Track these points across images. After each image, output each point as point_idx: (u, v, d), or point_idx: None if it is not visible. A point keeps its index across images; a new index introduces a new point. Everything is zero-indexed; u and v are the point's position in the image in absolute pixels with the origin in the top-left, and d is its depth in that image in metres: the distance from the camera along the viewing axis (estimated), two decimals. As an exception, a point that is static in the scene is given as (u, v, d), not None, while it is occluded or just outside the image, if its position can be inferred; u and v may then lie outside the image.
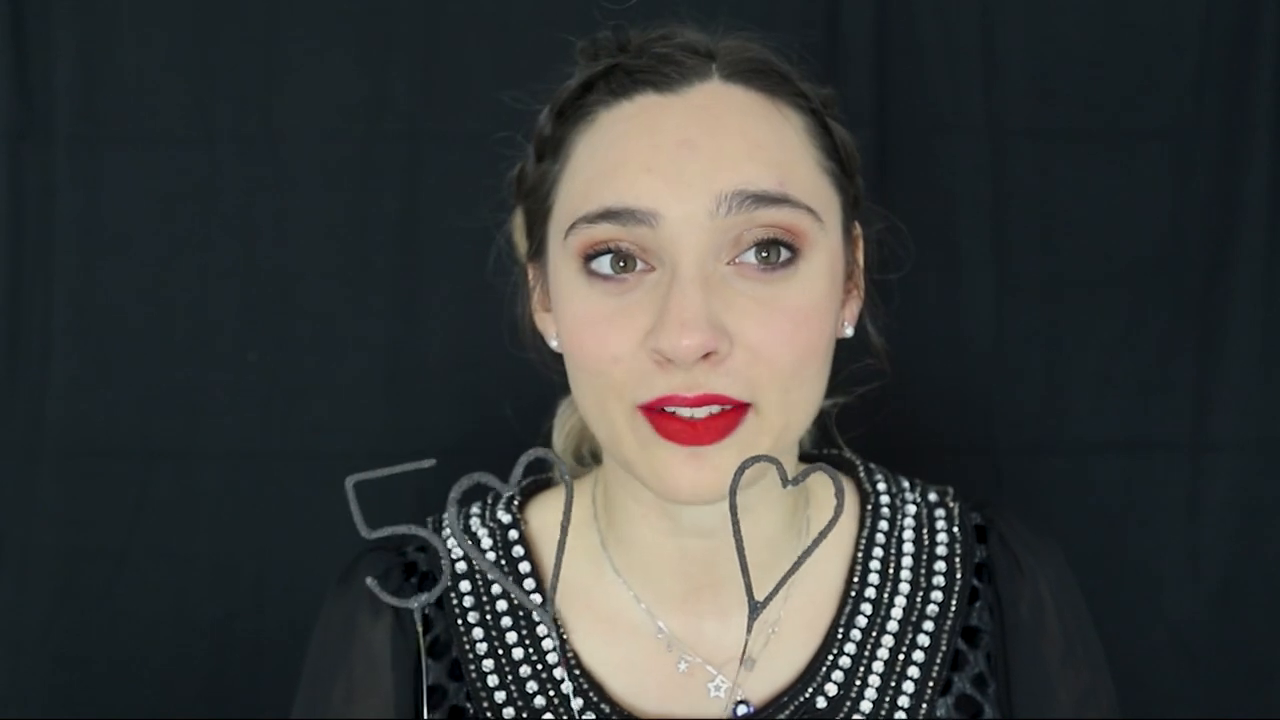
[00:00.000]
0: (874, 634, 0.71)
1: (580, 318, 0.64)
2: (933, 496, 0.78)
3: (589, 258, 0.63)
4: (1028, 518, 0.79)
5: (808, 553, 0.54)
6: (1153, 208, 1.09)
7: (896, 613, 0.72)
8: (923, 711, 0.69)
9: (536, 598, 0.73)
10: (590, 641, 0.72)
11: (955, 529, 0.76)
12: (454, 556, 0.76)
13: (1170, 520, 1.09)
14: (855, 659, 0.70)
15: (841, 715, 0.69)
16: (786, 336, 0.62)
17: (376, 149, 1.08)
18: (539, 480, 0.81)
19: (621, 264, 0.63)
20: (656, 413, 0.62)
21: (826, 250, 0.66)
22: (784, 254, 0.63)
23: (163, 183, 1.09)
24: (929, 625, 0.72)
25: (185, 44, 1.08)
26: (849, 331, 0.72)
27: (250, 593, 1.08)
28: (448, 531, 0.78)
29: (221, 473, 1.08)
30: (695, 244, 0.61)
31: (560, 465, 0.56)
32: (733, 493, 0.53)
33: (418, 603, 0.56)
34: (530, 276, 0.74)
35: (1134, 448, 1.10)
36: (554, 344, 0.71)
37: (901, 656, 0.71)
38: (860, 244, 0.75)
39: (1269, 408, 1.08)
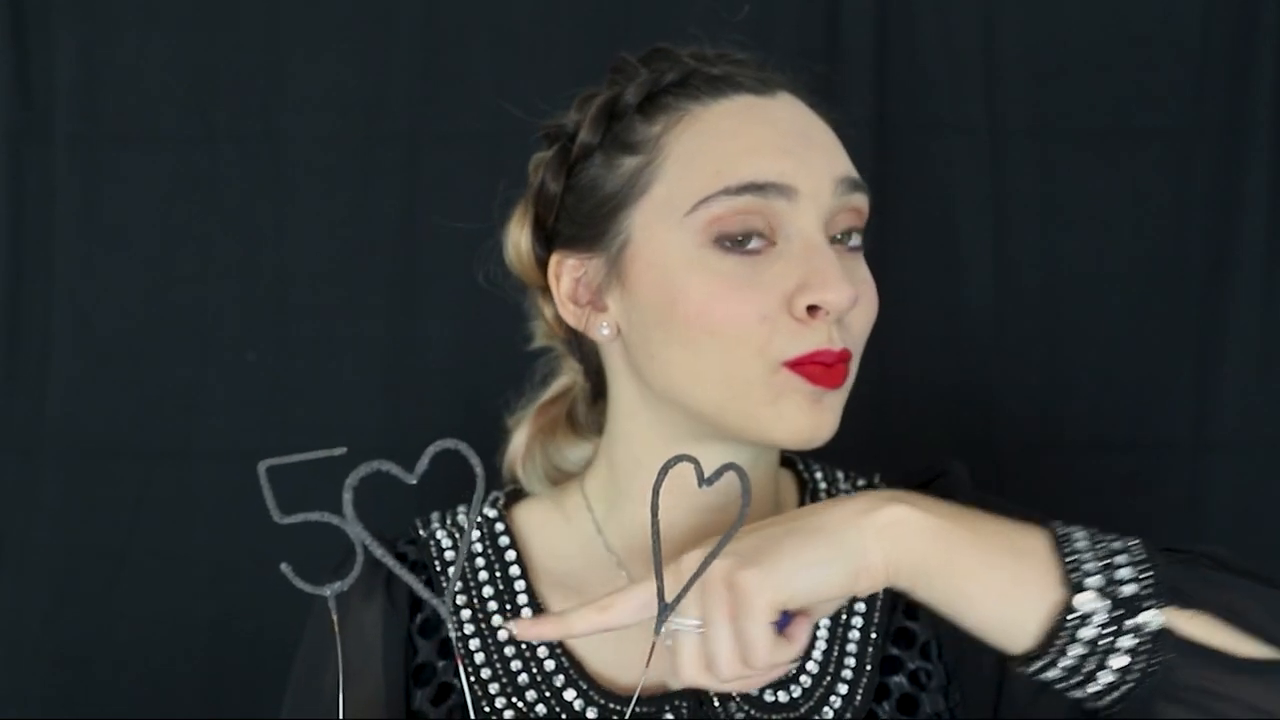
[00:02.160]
0: None
1: (713, 288, 0.68)
2: (862, 482, 0.84)
3: (721, 233, 0.69)
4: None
5: (713, 554, 0.59)
6: (1153, 208, 1.09)
7: None
8: (869, 653, 0.75)
9: (521, 584, 0.78)
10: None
11: None
12: (443, 549, 0.81)
13: (1170, 520, 1.09)
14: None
15: (792, 676, 0.74)
16: (872, 304, 0.72)
17: (376, 149, 1.08)
18: (518, 490, 0.84)
19: (740, 239, 0.68)
20: (799, 365, 0.68)
21: None
22: (856, 238, 0.72)
23: (163, 182, 1.09)
24: (860, 604, 0.78)
25: (185, 44, 1.08)
26: None
27: (249, 593, 1.08)
28: (431, 533, 0.81)
29: (221, 473, 1.08)
30: (819, 217, 0.69)
31: (473, 458, 0.59)
32: (655, 492, 0.58)
33: (330, 590, 0.60)
34: (562, 271, 0.75)
35: (1134, 448, 1.10)
36: (603, 332, 0.74)
37: (844, 610, 0.77)
38: None
39: (1269, 408, 1.08)
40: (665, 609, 0.59)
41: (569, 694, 0.73)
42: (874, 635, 0.75)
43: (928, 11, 1.08)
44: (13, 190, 1.08)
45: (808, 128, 0.72)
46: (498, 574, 0.79)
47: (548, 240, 0.77)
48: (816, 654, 0.75)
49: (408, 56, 1.08)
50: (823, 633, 0.75)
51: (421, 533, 0.82)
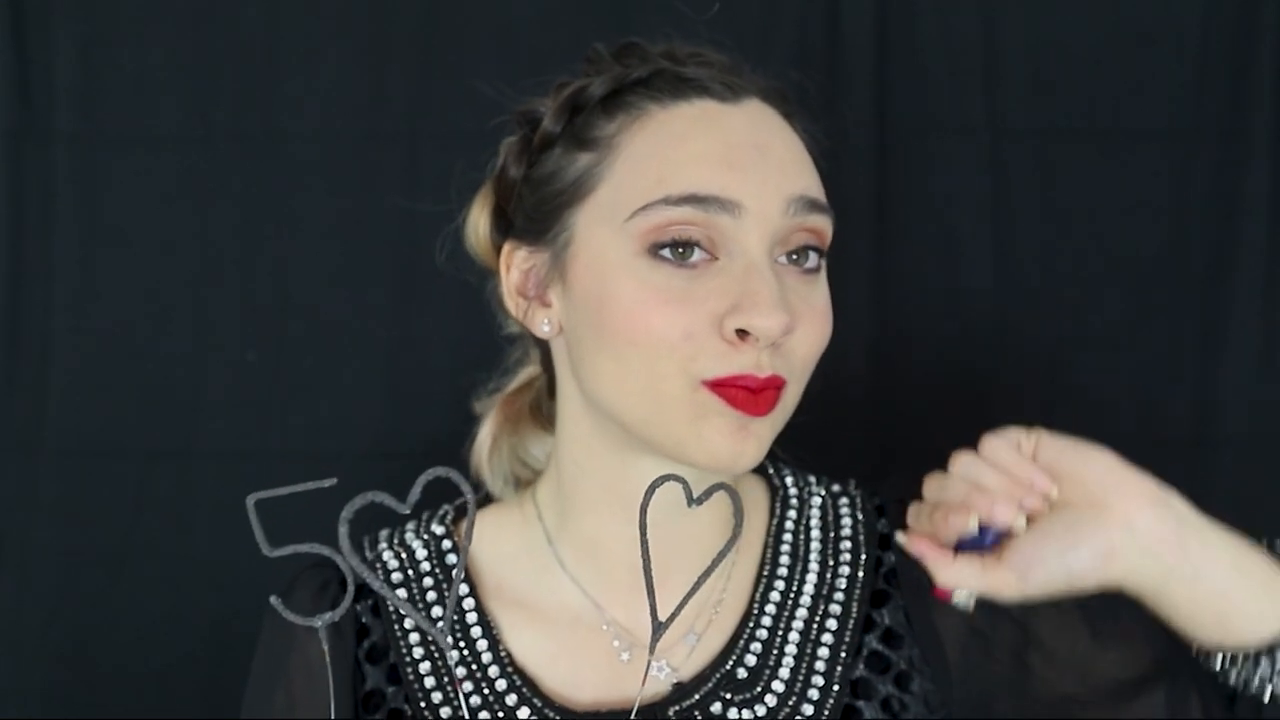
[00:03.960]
0: (788, 608, 0.76)
1: (642, 297, 0.67)
2: (836, 487, 0.83)
3: (656, 243, 0.67)
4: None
5: (708, 571, 0.58)
6: (1153, 208, 1.09)
7: (808, 589, 0.77)
8: (838, 673, 0.74)
9: (470, 602, 0.77)
10: (526, 637, 0.76)
11: (859, 513, 0.81)
12: (389, 570, 0.80)
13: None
14: (771, 631, 0.75)
15: (761, 683, 0.73)
16: (817, 331, 0.69)
17: (376, 149, 1.08)
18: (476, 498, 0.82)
19: (681, 250, 0.66)
20: (721, 386, 0.66)
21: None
22: (814, 258, 0.70)
23: (162, 182, 1.09)
24: (839, 596, 0.77)
25: (185, 44, 1.08)
26: None
27: (249, 593, 1.07)
28: (385, 546, 0.81)
29: (221, 473, 1.08)
30: (765, 237, 0.67)
31: (464, 485, 0.57)
32: (643, 511, 0.57)
33: (321, 621, 0.58)
34: (512, 262, 0.75)
35: (1134, 447, 1.10)
36: (544, 329, 0.73)
37: (815, 626, 0.76)
38: None
39: (1269, 407, 1.08)
40: (659, 628, 0.58)
41: (522, 712, 0.72)
42: (844, 655, 0.74)
43: (928, 11, 1.08)
44: (13, 190, 1.08)
45: (768, 140, 0.69)
46: (445, 593, 0.77)
47: (505, 227, 0.76)
48: (784, 672, 0.74)
49: (408, 56, 1.08)
50: (791, 649, 0.75)
51: (368, 554, 0.80)
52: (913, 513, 0.71)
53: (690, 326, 0.66)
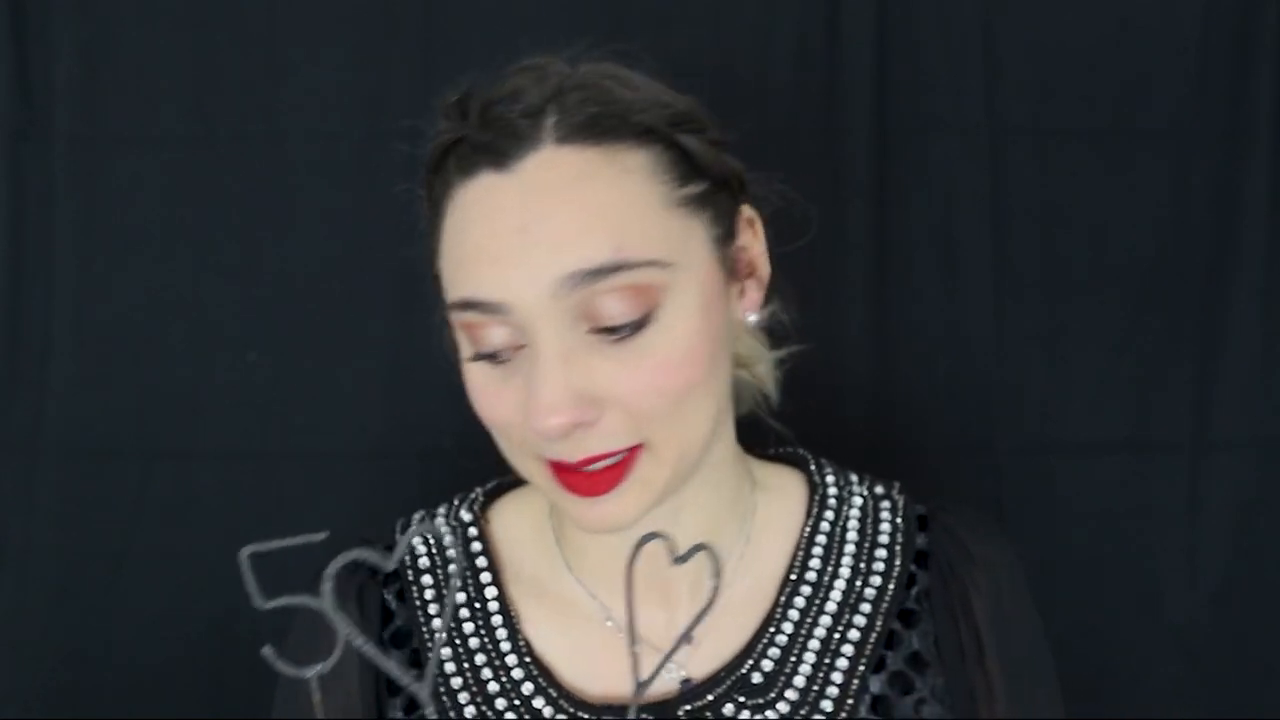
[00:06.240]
0: (812, 614, 0.75)
1: (472, 384, 0.68)
2: (879, 489, 0.81)
3: (466, 339, 0.67)
4: (983, 517, 0.82)
5: (690, 629, 0.55)
6: (1153, 208, 1.09)
7: (835, 595, 0.75)
8: (854, 686, 0.72)
9: (492, 590, 0.77)
10: (544, 630, 0.76)
11: (899, 519, 0.79)
12: (417, 557, 0.80)
13: (1170, 520, 1.09)
14: (792, 637, 0.74)
15: (776, 689, 0.72)
16: (658, 387, 0.64)
17: (377, 148, 1.08)
18: (504, 482, 0.83)
19: (484, 348, 0.66)
20: (557, 469, 0.66)
21: (690, 282, 0.66)
22: (630, 320, 0.64)
23: (163, 182, 1.09)
24: (866, 607, 0.75)
25: (185, 44, 1.08)
26: (752, 319, 0.74)
27: (249, 593, 1.08)
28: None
29: (221, 473, 1.08)
30: (548, 324, 0.63)
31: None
32: (630, 566, 0.54)
33: (312, 673, 0.57)
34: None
35: (1134, 448, 1.10)
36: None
37: (837, 635, 0.74)
38: (756, 226, 0.75)
39: (1269, 408, 1.08)
40: (639, 688, 0.56)
41: (538, 702, 0.73)
42: (862, 668, 0.73)
43: (928, 11, 1.08)
44: (13, 190, 1.08)
45: (537, 212, 0.63)
46: (469, 579, 0.78)
47: None
48: (799, 680, 0.73)
49: (408, 56, 1.08)
50: (810, 655, 0.73)
51: (399, 536, 0.81)
52: None
53: (510, 417, 0.66)
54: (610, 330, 0.64)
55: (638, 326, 0.64)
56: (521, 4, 1.08)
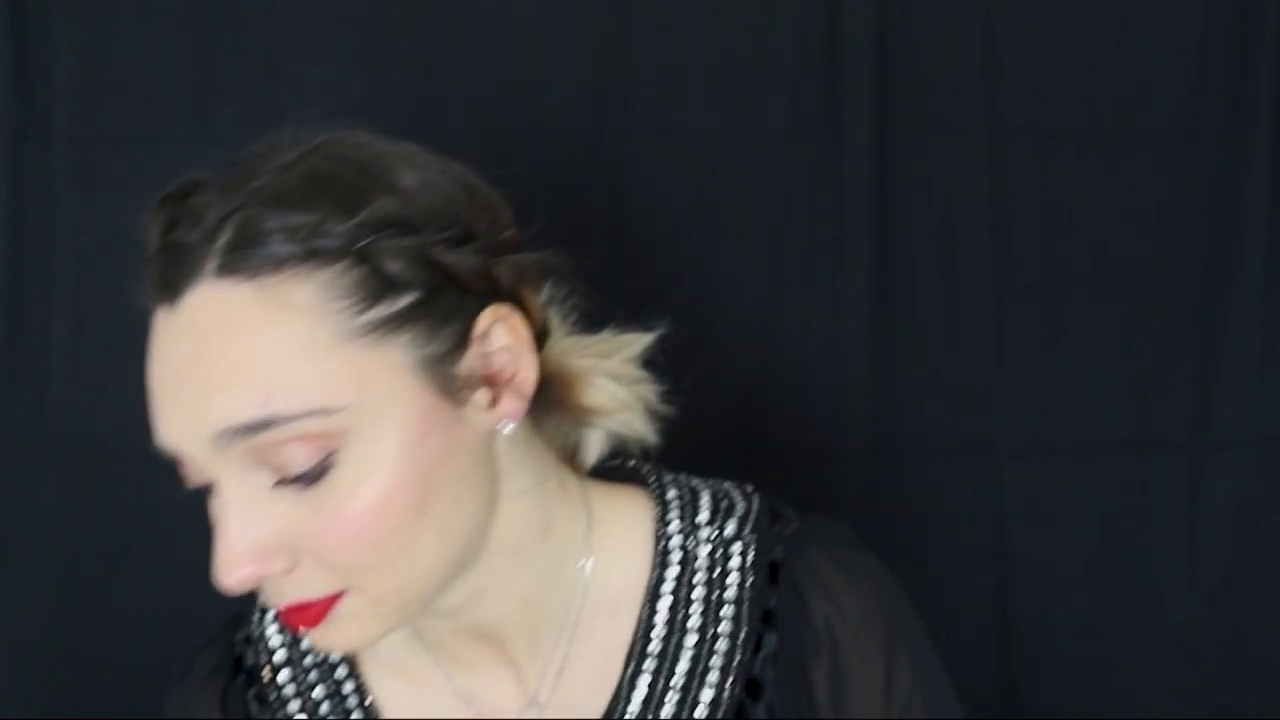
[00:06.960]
0: (659, 688, 0.69)
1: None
2: (729, 529, 0.71)
3: None
4: (848, 546, 0.72)
5: None
6: (1153, 208, 1.09)
7: (682, 666, 0.69)
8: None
9: (343, 670, 0.73)
10: (401, 705, 0.72)
11: (749, 566, 0.71)
12: (273, 650, 0.76)
13: (1170, 520, 1.09)
14: (640, 714, 0.68)
15: None
16: (351, 537, 0.57)
17: (376, 149, 1.08)
18: None
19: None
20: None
21: (382, 419, 0.58)
22: (308, 468, 0.57)
23: (162, 182, 1.08)
24: (713, 677, 0.69)
25: (185, 44, 1.08)
26: (509, 430, 0.63)
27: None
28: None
29: (221, 473, 1.08)
30: (223, 473, 0.57)
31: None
32: None
33: None
34: None
35: (1134, 448, 1.10)
36: None
37: (685, 714, 0.68)
38: (514, 321, 0.62)
39: (1269, 408, 1.08)
40: None
41: None
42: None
43: (928, 11, 1.08)
44: (13, 190, 1.08)
45: (187, 366, 0.57)
46: (325, 671, 0.74)
47: None
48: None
49: (408, 56, 1.08)
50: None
51: (254, 630, 0.75)
52: None
53: None
54: (295, 479, 0.57)
55: (318, 475, 0.56)
56: (522, 4, 1.08)
